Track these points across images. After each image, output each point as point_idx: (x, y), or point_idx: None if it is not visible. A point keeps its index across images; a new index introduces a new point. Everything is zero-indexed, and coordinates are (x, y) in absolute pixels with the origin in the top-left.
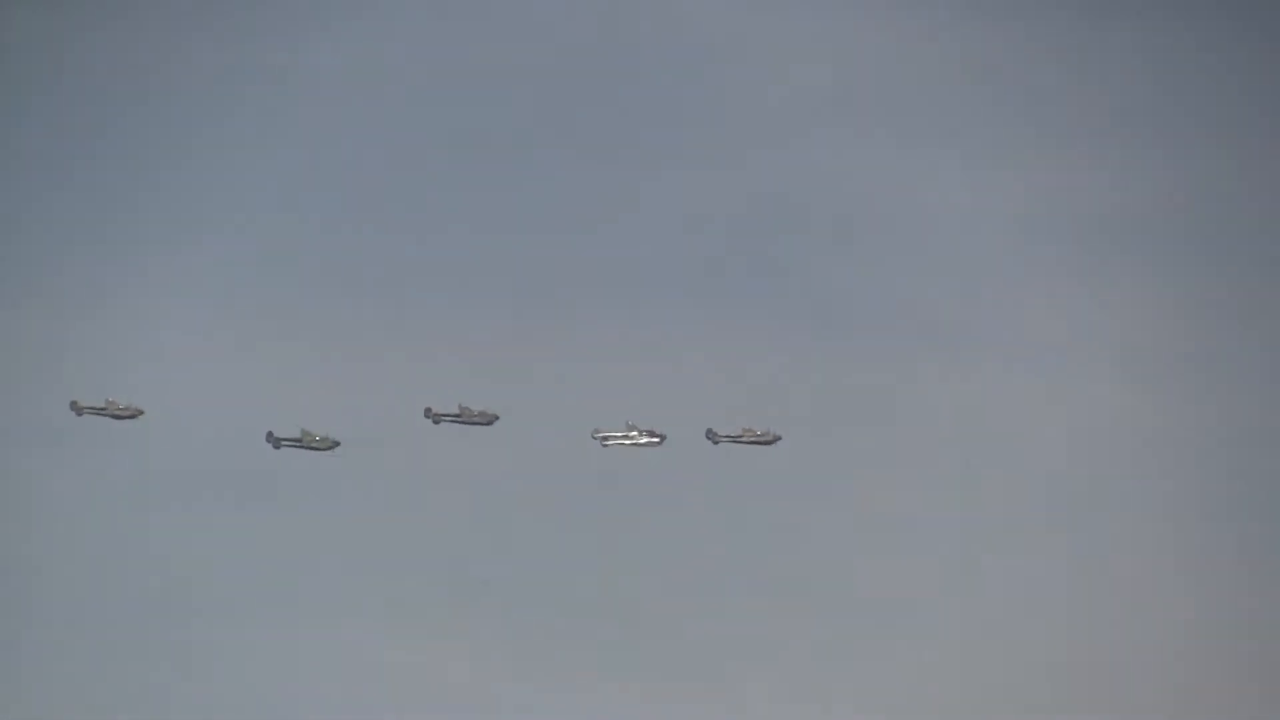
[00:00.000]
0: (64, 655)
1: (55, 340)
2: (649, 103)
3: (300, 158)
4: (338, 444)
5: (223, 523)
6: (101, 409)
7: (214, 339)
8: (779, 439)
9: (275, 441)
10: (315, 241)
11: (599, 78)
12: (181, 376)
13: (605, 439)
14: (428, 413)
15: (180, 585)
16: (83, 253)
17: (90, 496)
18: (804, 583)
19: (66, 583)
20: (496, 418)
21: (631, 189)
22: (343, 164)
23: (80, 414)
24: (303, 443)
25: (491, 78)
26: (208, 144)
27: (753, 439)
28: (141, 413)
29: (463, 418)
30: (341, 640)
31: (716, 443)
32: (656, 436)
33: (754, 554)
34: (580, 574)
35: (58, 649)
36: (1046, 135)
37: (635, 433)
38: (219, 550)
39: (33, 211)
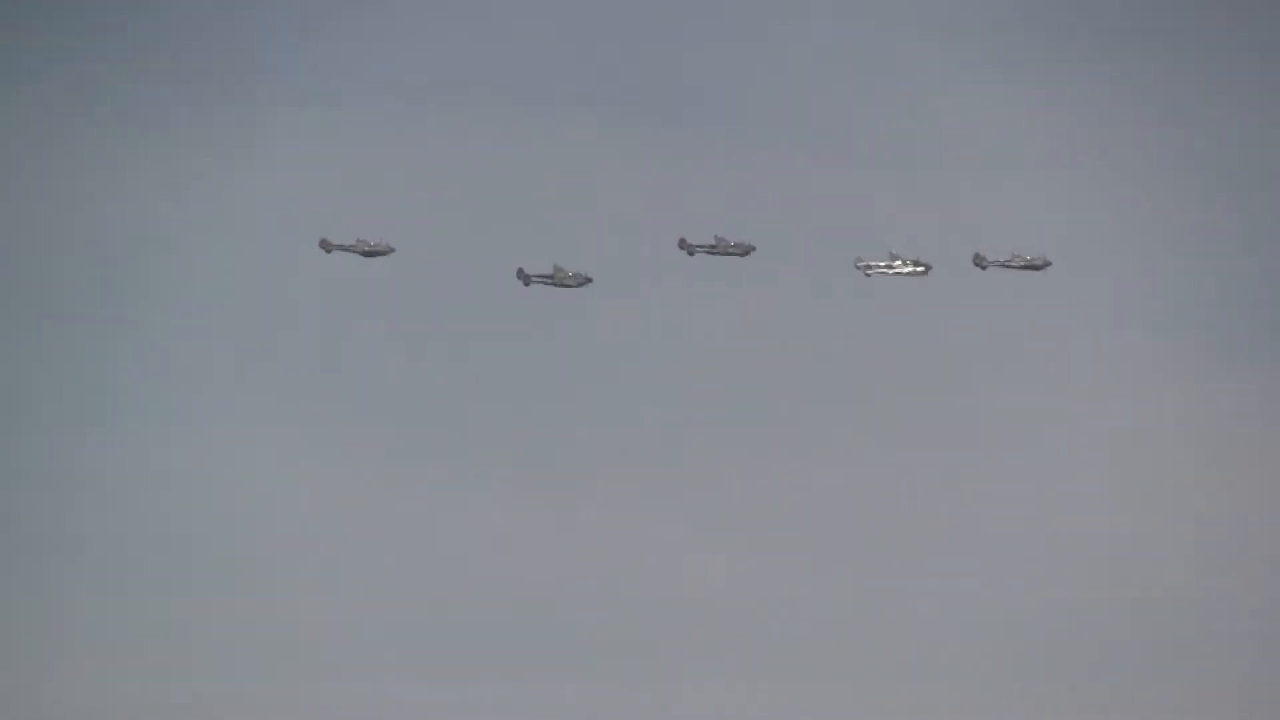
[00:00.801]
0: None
1: (304, 180)
2: None
3: None
4: (589, 280)
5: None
6: (351, 246)
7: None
8: (1049, 264)
9: (525, 279)
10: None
11: None
12: (430, 216)
13: (868, 268)
14: (682, 244)
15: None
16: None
17: (339, 333)
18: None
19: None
20: (753, 248)
21: None
22: None
23: (329, 251)
24: (554, 279)
25: None
26: None
27: (1023, 264)
28: (392, 250)
29: (718, 249)
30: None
31: (984, 268)
32: (921, 266)
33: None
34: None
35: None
36: None
37: (899, 261)
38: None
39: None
